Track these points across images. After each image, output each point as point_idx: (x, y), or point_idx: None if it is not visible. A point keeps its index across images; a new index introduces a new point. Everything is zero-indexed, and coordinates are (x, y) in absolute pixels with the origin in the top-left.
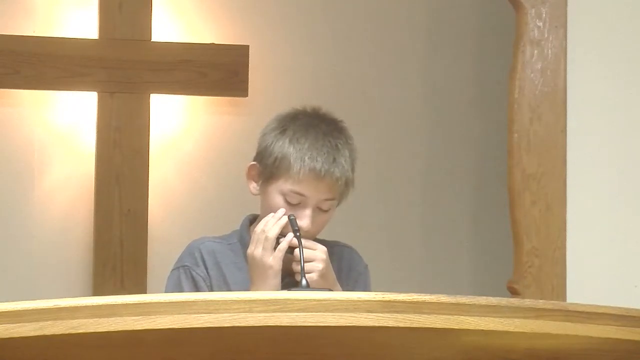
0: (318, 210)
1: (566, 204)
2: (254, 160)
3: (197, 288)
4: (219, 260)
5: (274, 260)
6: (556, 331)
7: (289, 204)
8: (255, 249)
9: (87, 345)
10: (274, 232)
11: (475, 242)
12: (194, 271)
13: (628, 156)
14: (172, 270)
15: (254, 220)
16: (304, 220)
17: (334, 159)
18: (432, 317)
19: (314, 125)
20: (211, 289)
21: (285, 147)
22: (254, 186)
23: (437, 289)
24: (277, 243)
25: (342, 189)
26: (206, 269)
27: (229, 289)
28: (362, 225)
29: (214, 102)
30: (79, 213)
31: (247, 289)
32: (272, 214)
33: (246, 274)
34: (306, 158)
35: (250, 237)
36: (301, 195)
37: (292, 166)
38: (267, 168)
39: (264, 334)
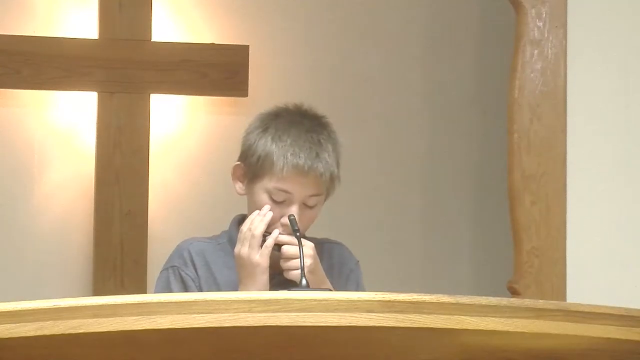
0: (304, 206)
1: (566, 204)
2: (238, 161)
3: (186, 288)
4: (208, 260)
5: (260, 257)
6: (556, 331)
7: (274, 202)
8: (242, 248)
9: (87, 345)
10: (259, 229)
11: (475, 242)
12: (182, 271)
13: (628, 156)
14: (161, 271)
15: (242, 220)
16: None
17: (317, 154)
18: (432, 317)
19: (296, 122)
20: (200, 289)
21: (268, 145)
22: (239, 186)
23: (437, 289)
24: (264, 240)
25: (327, 184)
26: (195, 269)
27: (218, 288)
28: (362, 224)
29: (214, 102)
30: (79, 213)
31: (237, 288)
32: (257, 211)
33: (236, 273)
34: (289, 155)
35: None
36: (286, 192)
37: (275, 164)
38: (251, 167)
39: (264, 334)
